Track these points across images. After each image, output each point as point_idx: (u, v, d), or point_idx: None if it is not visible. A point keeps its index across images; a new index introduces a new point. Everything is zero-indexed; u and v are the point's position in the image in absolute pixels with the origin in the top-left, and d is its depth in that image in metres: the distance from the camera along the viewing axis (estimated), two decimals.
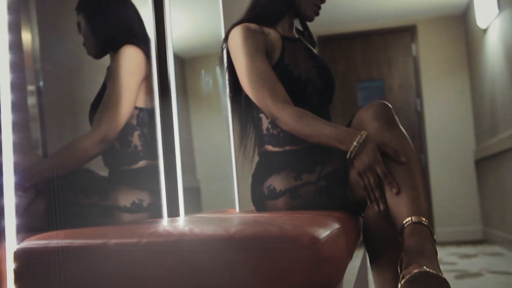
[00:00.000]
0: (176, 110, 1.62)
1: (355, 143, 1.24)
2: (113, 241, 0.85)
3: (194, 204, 2.08)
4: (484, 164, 4.56)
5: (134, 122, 1.41)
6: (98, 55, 1.41)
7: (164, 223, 1.02)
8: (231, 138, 2.31)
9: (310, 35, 1.72)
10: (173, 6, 1.65)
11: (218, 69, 2.35)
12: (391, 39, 5.25)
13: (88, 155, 1.27)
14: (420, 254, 1.05)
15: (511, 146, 3.56)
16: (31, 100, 1.18)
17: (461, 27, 5.07)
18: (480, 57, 4.50)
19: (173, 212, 1.57)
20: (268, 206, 1.45)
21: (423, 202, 1.17)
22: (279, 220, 0.92)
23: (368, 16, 5.00)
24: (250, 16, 1.53)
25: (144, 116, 1.44)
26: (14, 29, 0.91)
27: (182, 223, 0.99)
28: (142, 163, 1.42)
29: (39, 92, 1.21)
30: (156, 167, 1.47)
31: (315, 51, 1.67)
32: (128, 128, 1.39)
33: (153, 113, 1.48)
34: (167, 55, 1.60)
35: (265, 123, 1.50)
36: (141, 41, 1.47)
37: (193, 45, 2.26)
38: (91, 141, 1.27)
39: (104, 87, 1.38)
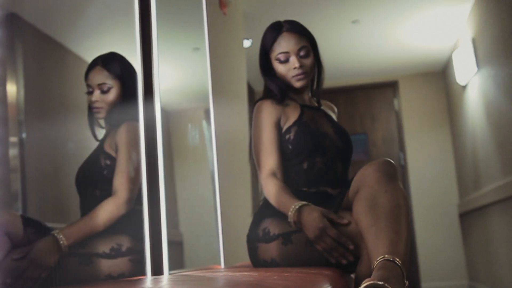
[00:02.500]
0: (162, 163, 1.60)
1: (290, 210, 1.42)
2: None
3: (177, 258, 2.02)
4: (469, 217, 4.56)
5: None
6: (96, 132, 1.47)
7: (148, 284, 0.98)
8: (216, 191, 2.28)
9: (317, 100, 1.80)
10: (161, 60, 1.66)
11: (204, 122, 2.34)
12: (374, 94, 5.35)
13: (118, 214, 1.35)
14: (383, 281, 1.03)
15: (495, 200, 3.57)
16: (13, 152, 1.15)
17: (441, 83, 5.20)
18: (460, 112, 4.59)
19: (157, 267, 1.51)
20: (260, 249, 1.51)
21: (402, 247, 1.18)
22: (270, 280, 0.88)
23: (351, 72, 5.10)
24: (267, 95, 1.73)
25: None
26: (1, 83, 0.89)
27: (167, 284, 0.95)
28: None
29: (21, 144, 1.19)
30: (137, 212, 1.47)
31: (334, 118, 1.82)
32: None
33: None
34: (154, 109, 1.59)
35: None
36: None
37: (180, 98, 2.27)
38: (120, 201, 1.36)
39: (97, 155, 1.41)
